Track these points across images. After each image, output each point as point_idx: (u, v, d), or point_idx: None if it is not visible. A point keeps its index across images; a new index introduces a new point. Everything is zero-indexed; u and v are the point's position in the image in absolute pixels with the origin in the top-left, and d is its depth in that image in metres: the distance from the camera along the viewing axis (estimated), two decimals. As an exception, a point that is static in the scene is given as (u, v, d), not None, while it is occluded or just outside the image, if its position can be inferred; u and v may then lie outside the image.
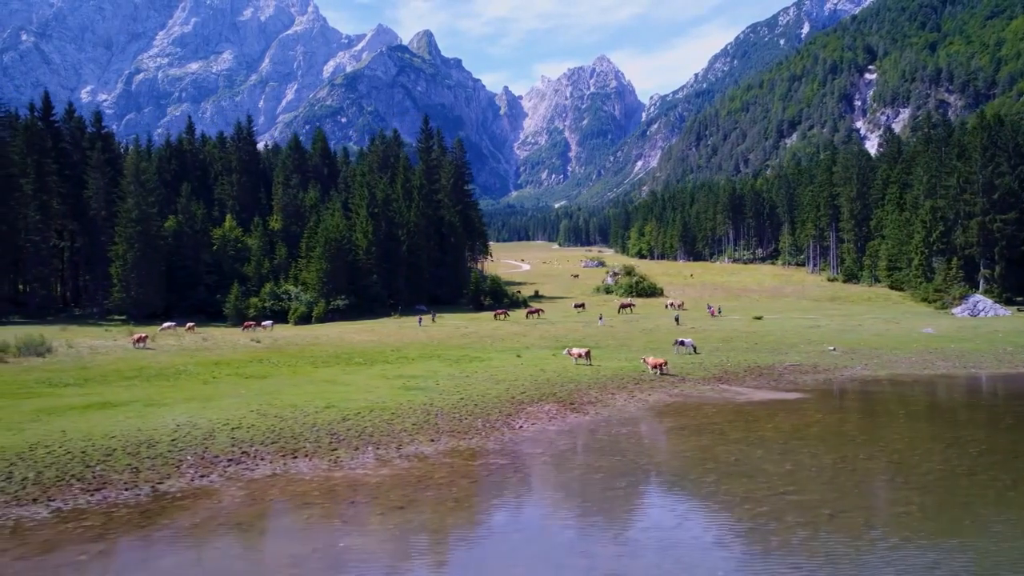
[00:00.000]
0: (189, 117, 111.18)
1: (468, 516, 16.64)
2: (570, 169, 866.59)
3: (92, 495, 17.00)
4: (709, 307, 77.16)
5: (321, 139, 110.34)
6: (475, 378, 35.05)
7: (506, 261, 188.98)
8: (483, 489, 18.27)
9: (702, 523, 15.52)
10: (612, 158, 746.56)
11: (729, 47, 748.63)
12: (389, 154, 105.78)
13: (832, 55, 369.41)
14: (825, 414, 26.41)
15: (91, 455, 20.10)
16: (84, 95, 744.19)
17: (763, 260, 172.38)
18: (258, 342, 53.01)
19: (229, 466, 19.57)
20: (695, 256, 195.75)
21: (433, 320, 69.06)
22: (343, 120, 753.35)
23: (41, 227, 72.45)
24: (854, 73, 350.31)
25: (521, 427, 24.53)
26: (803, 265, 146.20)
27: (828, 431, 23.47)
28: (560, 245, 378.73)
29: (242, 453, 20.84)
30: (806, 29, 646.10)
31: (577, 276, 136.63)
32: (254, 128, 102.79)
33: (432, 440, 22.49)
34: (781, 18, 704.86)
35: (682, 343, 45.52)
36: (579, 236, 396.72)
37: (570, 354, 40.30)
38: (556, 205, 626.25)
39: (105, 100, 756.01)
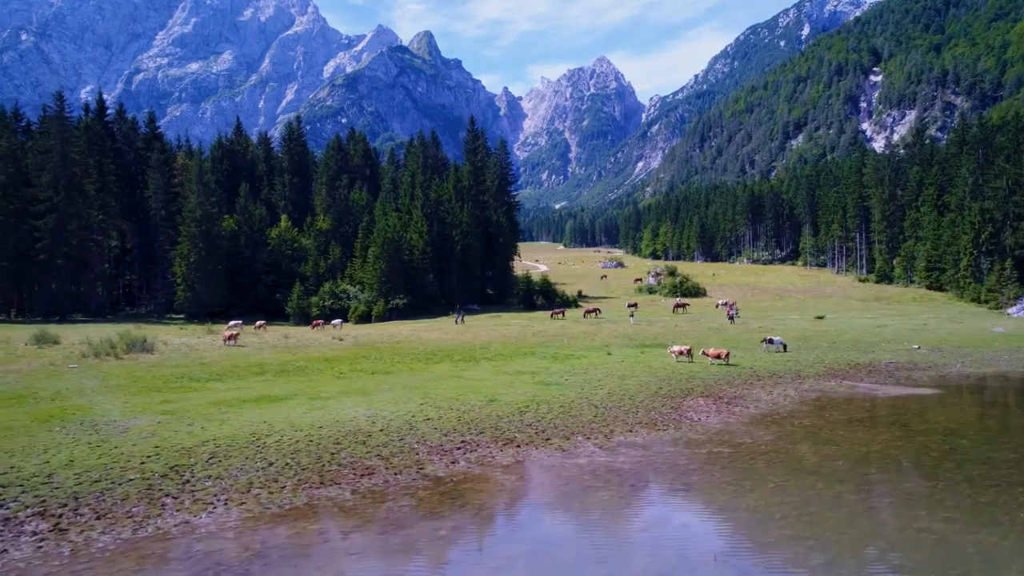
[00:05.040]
0: (238, 118, 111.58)
1: (766, 498, 16.50)
2: (570, 170, 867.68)
3: (369, 478, 17.56)
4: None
5: (362, 140, 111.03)
6: (594, 374, 35.59)
7: (522, 262, 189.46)
8: (749, 475, 18.13)
9: (1006, 506, 15.40)
10: (613, 159, 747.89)
11: (729, 48, 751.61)
12: (427, 155, 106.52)
13: (837, 57, 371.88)
14: (983, 408, 27.22)
15: (322, 444, 20.65)
16: (84, 95, 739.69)
17: (782, 261, 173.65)
18: (341, 340, 53.52)
19: (466, 453, 20.20)
20: (712, 257, 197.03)
21: (463, 321, 67.02)
22: (343, 120, 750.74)
23: (103, 227, 72.93)
24: (859, 75, 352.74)
25: (699, 420, 25.21)
26: (825, 266, 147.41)
27: (1011, 424, 24.22)
28: (565, 246, 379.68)
29: (462, 442, 21.45)
30: (806, 31, 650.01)
31: (605, 277, 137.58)
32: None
33: (631, 431, 23.16)
34: (781, 20, 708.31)
35: (771, 341, 46.25)
36: (584, 237, 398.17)
37: (671, 351, 41.35)
38: (557, 206, 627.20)
39: (105, 100, 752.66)
